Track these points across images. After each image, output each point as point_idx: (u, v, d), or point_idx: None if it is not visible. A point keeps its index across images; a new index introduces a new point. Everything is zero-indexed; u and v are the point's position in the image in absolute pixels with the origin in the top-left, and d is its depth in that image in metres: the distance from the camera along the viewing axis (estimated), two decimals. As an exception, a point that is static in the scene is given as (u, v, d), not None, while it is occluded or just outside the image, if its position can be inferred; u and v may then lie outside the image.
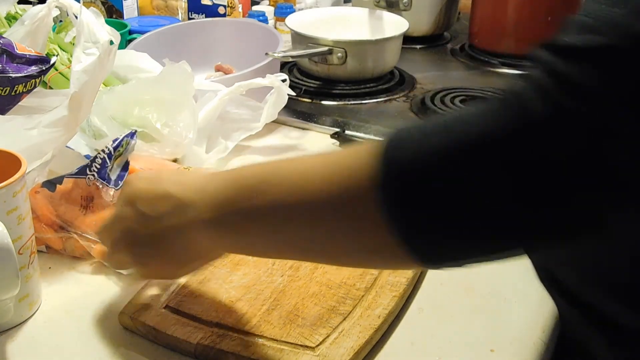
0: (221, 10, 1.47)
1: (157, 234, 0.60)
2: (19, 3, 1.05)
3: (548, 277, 0.62)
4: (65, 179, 0.77)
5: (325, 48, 1.22)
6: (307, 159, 0.54)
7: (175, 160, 0.94)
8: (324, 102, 1.23)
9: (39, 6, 0.92)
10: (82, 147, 0.91)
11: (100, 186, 0.77)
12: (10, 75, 0.79)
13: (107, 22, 0.84)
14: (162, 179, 0.61)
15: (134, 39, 1.27)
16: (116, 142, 0.78)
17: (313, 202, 0.51)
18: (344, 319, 0.66)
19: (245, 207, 0.55)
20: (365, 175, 0.48)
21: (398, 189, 0.47)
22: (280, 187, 0.53)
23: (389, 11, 1.42)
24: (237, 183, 0.56)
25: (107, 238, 0.65)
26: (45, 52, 0.96)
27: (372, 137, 1.09)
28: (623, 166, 0.43)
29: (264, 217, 0.54)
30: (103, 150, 0.77)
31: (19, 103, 0.82)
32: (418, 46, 1.54)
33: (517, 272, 0.76)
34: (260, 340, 0.64)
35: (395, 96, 1.26)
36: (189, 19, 1.50)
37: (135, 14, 1.55)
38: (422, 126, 0.49)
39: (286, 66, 1.33)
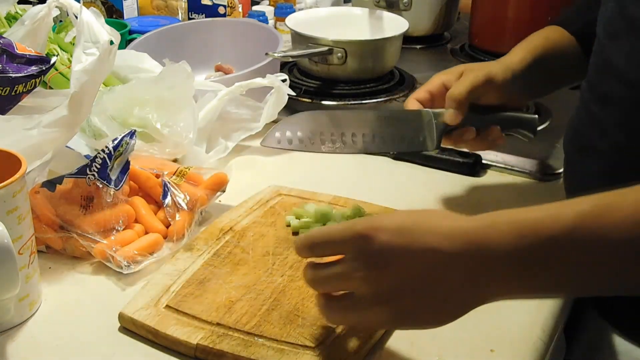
0: (221, 10, 1.47)
1: (423, 291, 0.55)
2: (19, 3, 1.05)
3: None
4: (65, 179, 0.77)
5: (325, 48, 1.22)
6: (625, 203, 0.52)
7: (175, 160, 0.94)
8: (324, 102, 1.23)
9: (39, 6, 0.92)
10: (82, 147, 0.91)
11: (101, 186, 0.77)
12: (10, 75, 0.79)
13: (107, 22, 0.84)
14: (411, 229, 0.55)
15: (134, 39, 1.27)
16: (116, 142, 0.78)
17: None
18: (344, 319, 0.66)
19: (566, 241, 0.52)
20: None
21: None
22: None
23: (389, 11, 1.42)
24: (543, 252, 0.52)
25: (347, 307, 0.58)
26: (45, 52, 0.96)
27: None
28: None
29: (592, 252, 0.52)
30: (103, 150, 0.77)
31: (19, 103, 0.82)
32: (418, 46, 1.54)
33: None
34: (260, 340, 0.64)
35: (395, 96, 1.26)
36: (189, 19, 1.50)
37: (135, 14, 1.55)
38: None
39: (286, 66, 1.33)
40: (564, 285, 0.55)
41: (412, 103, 0.87)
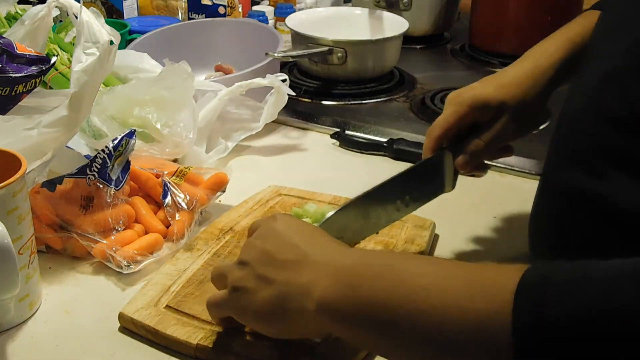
0: (221, 10, 1.47)
1: (267, 281, 0.57)
2: (19, 3, 1.05)
3: None
4: (65, 179, 0.77)
5: (325, 48, 1.22)
6: (446, 270, 0.50)
7: (175, 160, 0.94)
8: (324, 102, 1.23)
9: (39, 6, 0.92)
10: (82, 147, 0.91)
11: (101, 186, 0.77)
12: (10, 75, 0.79)
13: (107, 22, 0.84)
14: (302, 230, 0.60)
15: (134, 39, 1.27)
16: (116, 142, 0.78)
17: (443, 328, 0.47)
18: (344, 319, 0.66)
19: (368, 311, 0.51)
20: (506, 316, 0.43)
21: (538, 350, 0.42)
22: (410, 298, 0.49)
23: (389, 11, 1.42)
24: (365, 272, 0.53)
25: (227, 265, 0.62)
26: (45, 52, 0.96)
27: (372, 137, 1.09)
28: None
29: (385, 323, 0.50)
30: (103, 150, 0.77)
31: (19, 103, 0.82)
32: (418, 46, 1.54)
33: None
34: (260, 340, 0.64)
35: (395, 96, 1.26)
36: (189, 19, 1.50)
37: (135, 14, 1.55)
38: (580, 270, 0.43)
39: (286, 66, 1.33)
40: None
41: (430, 145, 0.77)
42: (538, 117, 0.80)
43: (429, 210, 0.86)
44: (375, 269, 0.52)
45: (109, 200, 0.77)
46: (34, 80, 0.81)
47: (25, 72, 0.80)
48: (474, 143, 0.76)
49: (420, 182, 0.76)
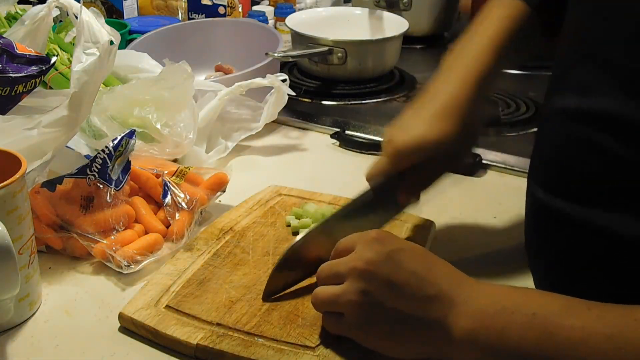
0: (221, 10, 1.47)
1: (402, 315, 0.58)
2: (19, 3, 1.05)
3: None
4: (65, 179, 0.77)
5: (325, 48, 1.22)
6: (589, 321, 0.52)
7: (175, 160, 0.94)
8: (324, 102, 1.23)
9: (39, 6, 0.92)
10: (82, 147, 0.91)
11: (101, 186, 0.77)
12: (10, 75, 0.79)
13: (107, 22, 0.84)
14: (434, 263, 0.60)
15: (134, 39, 1.27)
16: (116, 142, 0.78)
17: None
18: (344, 319, 0.66)
19: (512, 348, 0.54)
20: None
21: None
22: (560, 353, 0.51)
23: (389, 11, 1.42)
24: (511, 321, 0.54)
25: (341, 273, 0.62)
26: (45, 52, 0.96)
27: (372, 137, 1.09)
28: None
29: None
30: (103, 150, 0.77)
31: (19, 103, 0.82)
32: (418, 46, 1.54)
33: (518, 274, 0.76)
34: (260, 340, 0.64)
35: (395, 96, 1.26)
36: (189, 19, 1.50)
37: (135, 14, 1.55)
38: None
39: (286, 66, 1.33)
40: None
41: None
42: (478, 130, 0.77)
43: (429, 210, 0.86)
44: (519, 318, 0.54)
45: (109, 201, 0.77)
46: (34, 80, 0.81)
47: (25, 72, 0.80)
48: (410, 186, 0.75)
49: (375, 207, 0.75)
